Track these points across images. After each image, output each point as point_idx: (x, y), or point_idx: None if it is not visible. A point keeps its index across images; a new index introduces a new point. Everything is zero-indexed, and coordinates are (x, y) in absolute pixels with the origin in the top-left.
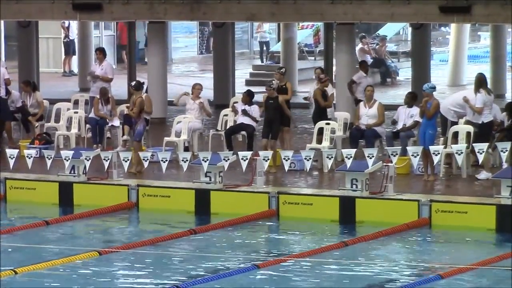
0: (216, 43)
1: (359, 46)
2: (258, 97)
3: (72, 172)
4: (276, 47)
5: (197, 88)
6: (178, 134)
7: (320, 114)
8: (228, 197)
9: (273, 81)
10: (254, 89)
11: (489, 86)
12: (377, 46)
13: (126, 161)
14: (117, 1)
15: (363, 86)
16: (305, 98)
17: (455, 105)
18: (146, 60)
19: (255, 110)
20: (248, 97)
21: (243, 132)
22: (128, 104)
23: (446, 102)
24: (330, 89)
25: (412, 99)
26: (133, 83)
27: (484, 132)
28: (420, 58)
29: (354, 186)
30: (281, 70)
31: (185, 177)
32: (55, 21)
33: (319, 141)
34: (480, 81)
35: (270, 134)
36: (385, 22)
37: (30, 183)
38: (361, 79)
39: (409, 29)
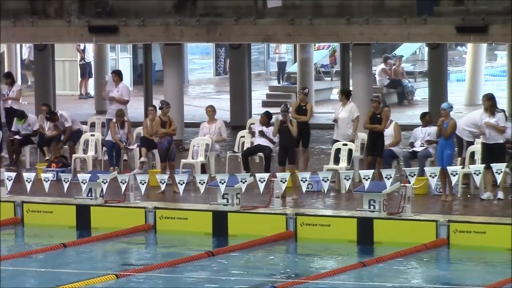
0: (232, 65)
1: (380, 66)
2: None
3: (89, 195)
4: (293, 68)
5: (209, 111)
6: (195, 156)
7: (376, 137)
8: (246, 219)
9: (288, 105)
10: (270, 110)
11: (505, 105)
12: (394, 66)
13: (143, 184)
14: (133, 23)
15: None
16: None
17: (469, 125)
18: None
19: (272, 132)
20: (267, 119)
21: (260, 154)
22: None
23: (461, 122)
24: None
25: (427, 119)
26: (166, 101)
27: (500, 153)
28: (437, 77)
29: (372, 207)
30: (305, 91)
31: (202, 199)
32: (71, 44)
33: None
34: (495, 101)
35: (287, 159)
36: (401, 42)
37: (47, 206)
38: None
39: (426, 49)
